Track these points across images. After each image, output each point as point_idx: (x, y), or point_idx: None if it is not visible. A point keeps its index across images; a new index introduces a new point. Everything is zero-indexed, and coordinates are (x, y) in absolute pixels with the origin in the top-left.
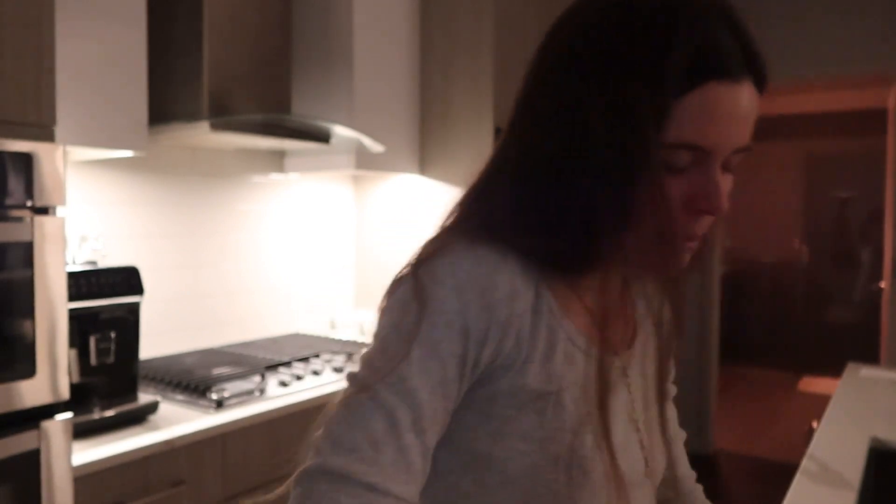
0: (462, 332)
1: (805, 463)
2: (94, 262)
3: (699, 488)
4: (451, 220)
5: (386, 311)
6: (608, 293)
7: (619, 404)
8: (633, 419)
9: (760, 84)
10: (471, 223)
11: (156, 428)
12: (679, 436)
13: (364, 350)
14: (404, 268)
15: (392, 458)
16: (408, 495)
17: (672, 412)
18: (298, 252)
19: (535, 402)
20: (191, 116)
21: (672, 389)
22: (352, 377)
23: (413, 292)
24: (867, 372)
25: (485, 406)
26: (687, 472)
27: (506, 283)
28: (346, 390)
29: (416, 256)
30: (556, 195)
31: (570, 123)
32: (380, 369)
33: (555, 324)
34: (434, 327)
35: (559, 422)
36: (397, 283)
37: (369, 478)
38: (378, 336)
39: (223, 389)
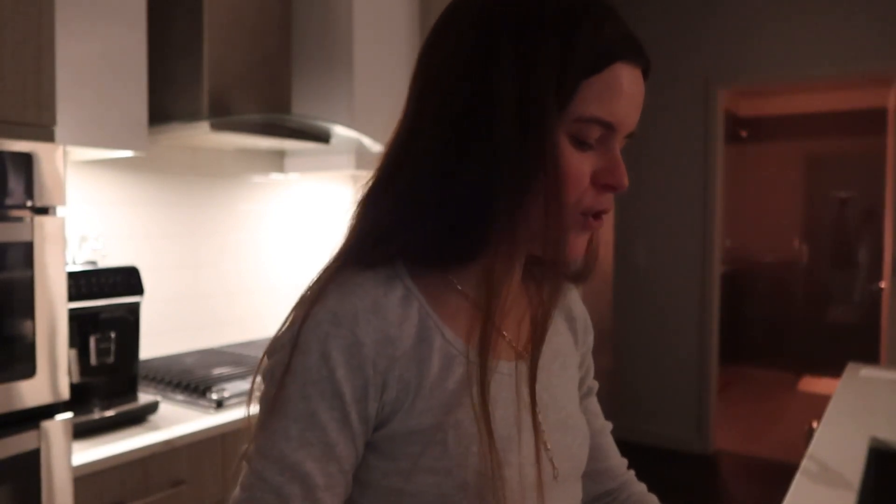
0: (335, 395)
1: (805, 463)
2: (94, 262)
3: (631, 474)
4: (345, 233)
5: (264, 380)
6: (491, 280)
7: (525, 411)
8: (536, 423)
9: (647, 71)
10: (358, 236)
11: (156, 428)
12: (606, 427)
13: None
14: (283, 323)
15: None
16: None
17: (595, 406)
18: (298, 252)
19: (435, 435)
20: (191, 116)
21: (594, 385)
22: (245, 455)
23: (284, 365)
24: (867, 372)
25: (388, 448)
26: (618, 462)
27: (376, 330)
28: (243, 473)
29: (296, 306)
30: (452, 178)
31: (472, 103)
32: (261, 448)
33: (449, 348)
34: (307, 399)
35: (462, 447)
36: (272, 347)
37: None
38: (259, 407)
39: (223, 389)
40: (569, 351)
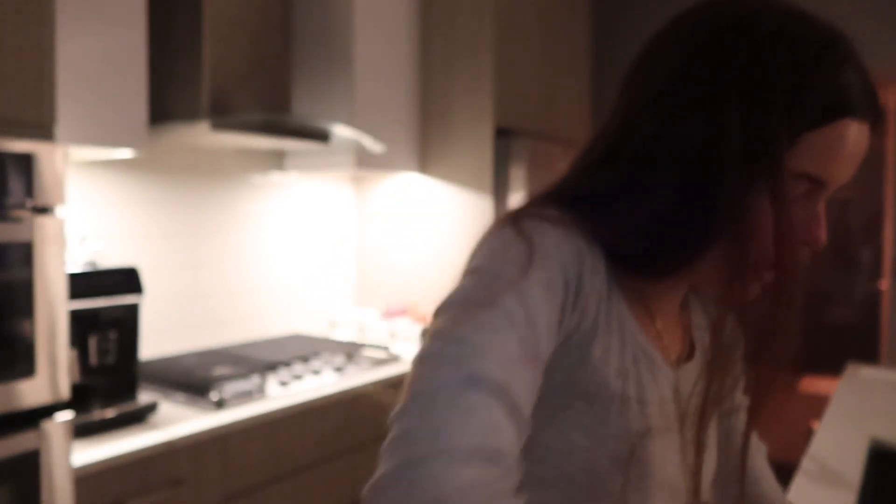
0: (564, 286)
1: (805, 463)
2: (94, 262)
3: None
4: (548, 189)
5: (490, 247)
6: (686, 314)
7: (670, 418)
8: (682, 434)
9: (876, 124)
10: (566, 202)
11: (156, 428)
12: (759, 449)
13: (455, 289)
14: (497, 220)
15: (528, 384)
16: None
17: (741, 424)
18: (298, 252)
19: (604, 396)
20: (191, 116)
21: (744, 400)
22: (455, 300)
23: (521, 236)
24: (867, 372)
25: (553, 393)
26: (772, 486)
27: (591, 256)
28: (454, 310)
29: (508, 213)
30: (661, 196)
31: (697, 130)
32: (507, 293)
33: (625, 320)
34: (546, 268)
35: (624, 421)
36: (496, 228)
37: (519, 400)
38: (486, 267)
39: (223, 389)
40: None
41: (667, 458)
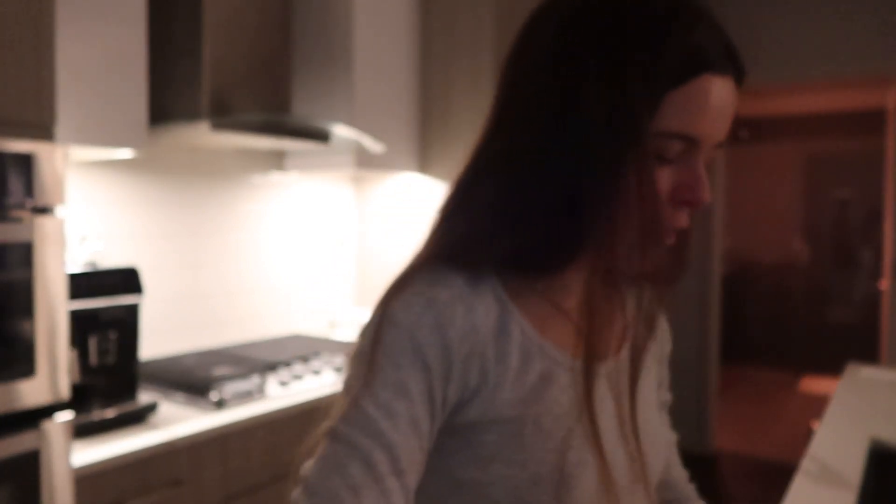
0: (424, 369)
1: (805, 463)
2: (94, 263)
3: (691, 488)
4: (429, 237)
5: (352, 360)
6: (592, 294)
7: (606, 414)
8: (621, 427)
9: (740, 80)
10: (445, 240)
11: (156, 428)
12: (671, 438)
13: (337, 405)
14: (373, 310)
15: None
16: None
17: (665, 418)
18: (298, 252)
19: (512, 427)
20: (191, 116)
21: (667, 398)
22: (323, 428)
23: (373, 337)
24: (867, 372)
25: (464, 434)
26: (681, 474)
27: (461, 317)
28: (322, 446)
29: (383, 295)
30: (541, 187)
31: (560, 112)
32: (349, 416)
33: (528, 344)
34: (399, 368)
35: (540, 442)
36: (363, 329)
37: None
38: (346, 386)
39: (223, 389)
40: (651, 359)
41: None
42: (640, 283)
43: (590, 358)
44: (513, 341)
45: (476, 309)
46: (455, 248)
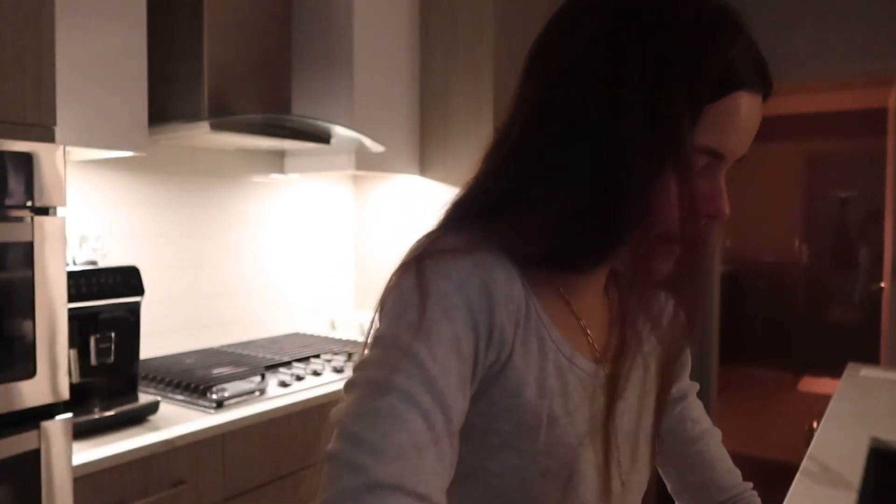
0: (474, 328)
1: (805, 463)
2: (94, 262)
3: (748, 489)
4: (449, 214)
5: (391, 307)
6: (625, 299)
7: (600, 416)
8: (614, 432)
9: (767, 95)
10: (468, 222)
11: (156, 428)
12: (708, 434)
13: (367, 352)
14: (402, 261)
15: (433, 466)
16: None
17: (692, 411)
18: (298, 252)
19: (529, 418)
20: (191, 116)
21: (690, 387)
22: (358, 381)
23: (418, 287)
24: (867, 372)
25: (480, 420)
26: (726, 472)
27: (504, 283)
28: (356, 393)
29: (413, 251)
30: (579, 190)
31: (603, 117)
32: (403, 368)
33: (545, 334)
34: (452, 321)
35: (553, 436)
36: (399, 275)
37: (421, 488)
38: (385, 335)
39: (223, 389)
40: (651, 363)
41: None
42: (658, 289)
43: (619, 363)
44: (533, 330)
45: (514, 280)
46: (474, 232)
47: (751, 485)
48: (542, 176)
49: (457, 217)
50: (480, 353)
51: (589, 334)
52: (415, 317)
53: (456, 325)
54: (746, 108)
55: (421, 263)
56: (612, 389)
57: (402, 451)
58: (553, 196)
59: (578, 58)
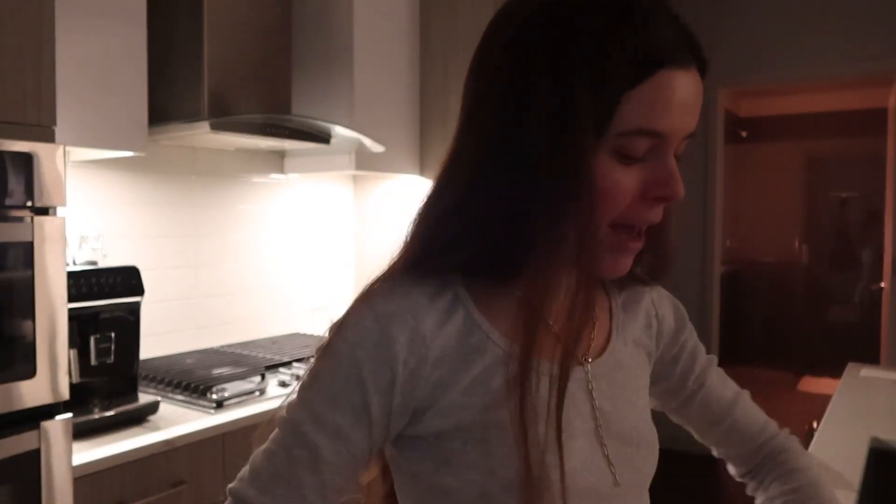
0: (359, 383)
1: None
2: (94, 262)
3: (777, 430)
4: (402, 243)
5: (316, 354)
6: (575, 297)
7: (580, 418)
8: (597, 433)
9: (703, 70)
10: (413, 247)
11: (156, 428)
12: (735, 402)
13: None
14: (343, 314)
15: (283, 492)
16: None
17: (717, 389)
18: (298, 252)
19: (477, 432)
20: (191, 116)
21: (707, 366)
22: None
23: (325, 345)
24: (867, 372)
25: (432, 442)
26: (757, 429)
27: (410, 330)
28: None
29: (352, 302)
30: (493, 195)
31: (513, 120)
32: (290, 412)
33: (495, 349)
34: (334, 380)
35: (507, 447)
36: (329, 327)
37: (258, 501)
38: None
39: (223, 389)
40: (636, 362)
41: (580, 466)
42: (625, 283)
43: (565, 363)
44: (476, 347)
45: (429, 321)
46: (421, 255)
47: (787, 430)
48: (469, 184)
49: (411, 237)
50: (373, 404)
51: (558, 336)
52: (313, 373)
53: (335, 383)
54: (676, 85)
55: (343, 320)
56: (560, 389)
57: (258, 473)
58: (475, 203)
59: (495, 65)
